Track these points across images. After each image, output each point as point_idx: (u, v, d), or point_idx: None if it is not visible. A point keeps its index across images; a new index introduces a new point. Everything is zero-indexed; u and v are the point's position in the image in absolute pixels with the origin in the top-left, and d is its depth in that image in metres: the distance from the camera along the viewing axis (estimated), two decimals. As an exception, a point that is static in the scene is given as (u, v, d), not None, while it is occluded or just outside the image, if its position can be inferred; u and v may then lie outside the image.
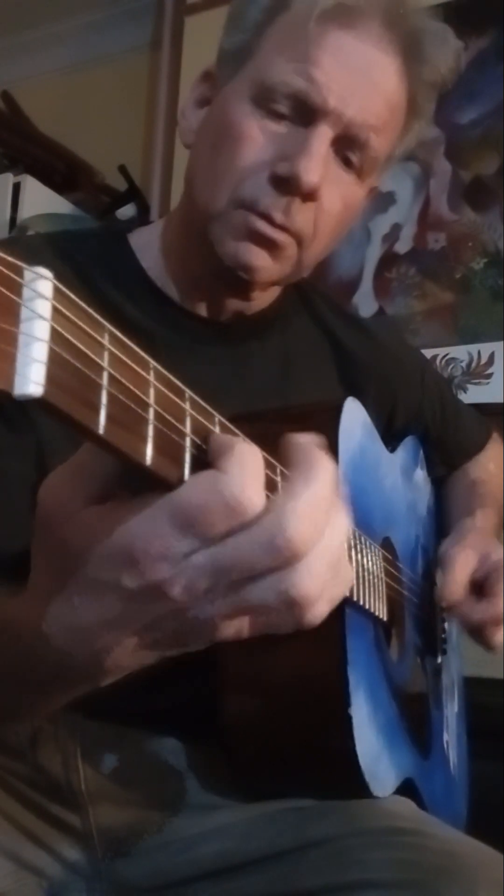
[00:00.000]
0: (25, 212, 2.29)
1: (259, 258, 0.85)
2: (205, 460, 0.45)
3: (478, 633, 1.01)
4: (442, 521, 1.19)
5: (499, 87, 1.99)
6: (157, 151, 2.54)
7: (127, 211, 2.47)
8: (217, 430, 0.48)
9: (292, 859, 0.79)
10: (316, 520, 0.46)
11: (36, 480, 0.79)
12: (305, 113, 0.82)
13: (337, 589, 0.50)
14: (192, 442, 0.45)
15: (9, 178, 2.36)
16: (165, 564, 0.44)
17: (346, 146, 0.84)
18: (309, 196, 0.82)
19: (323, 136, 0.82)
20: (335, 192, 0.85)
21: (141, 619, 0.47)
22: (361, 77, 0.82)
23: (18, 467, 0.79)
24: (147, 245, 0.94)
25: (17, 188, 2.34)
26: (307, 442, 0.49)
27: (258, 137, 0.83)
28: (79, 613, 0.48)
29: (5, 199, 2.33)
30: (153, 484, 0.44)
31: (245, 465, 0.45)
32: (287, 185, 0.81)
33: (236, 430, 0.51)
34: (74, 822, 0.86)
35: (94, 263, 0.90)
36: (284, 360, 0.98)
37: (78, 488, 0.47)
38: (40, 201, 2.34)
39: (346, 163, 0.85)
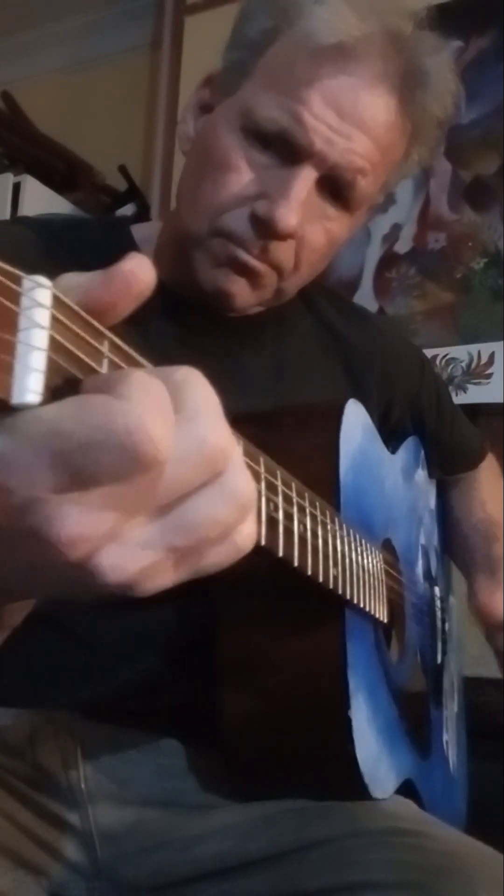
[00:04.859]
0: (25, 212, 2.29)
1: (237, 286, 0.85)
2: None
3: None
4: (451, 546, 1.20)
5: (499, 87, 1.99)
6: (157, 151, 2.54)
7: (127, 211, 2.47)
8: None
9: (293, 860, 0.79)
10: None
11: None
12: (291, 151, 0.81)
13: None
14: None
15: (9, 178, 2.36)
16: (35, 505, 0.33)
17: (332, 185, 0.84)
18: (286, 238, 0.82)
19: (306, 177, 0.81)
20: (319, 227, 0.85)
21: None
22: (351, 120, 0.81)
23: None
24: (148, 240, 0.94)
25: (17, 188, 2.34)
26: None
27: (243, 169, 0.82)
28: None
29: (5, 199, 2.33)
30: None
31: (148, 391, 0.34)
32: (264, 226, 0.81)
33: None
34: (74, 821, 0.86)
35: (89, 248, 0.89)
36: (279, 355, 0.98)
37: None
38: (40, 201, 2.34)
39: (334, 198, 0.85)
